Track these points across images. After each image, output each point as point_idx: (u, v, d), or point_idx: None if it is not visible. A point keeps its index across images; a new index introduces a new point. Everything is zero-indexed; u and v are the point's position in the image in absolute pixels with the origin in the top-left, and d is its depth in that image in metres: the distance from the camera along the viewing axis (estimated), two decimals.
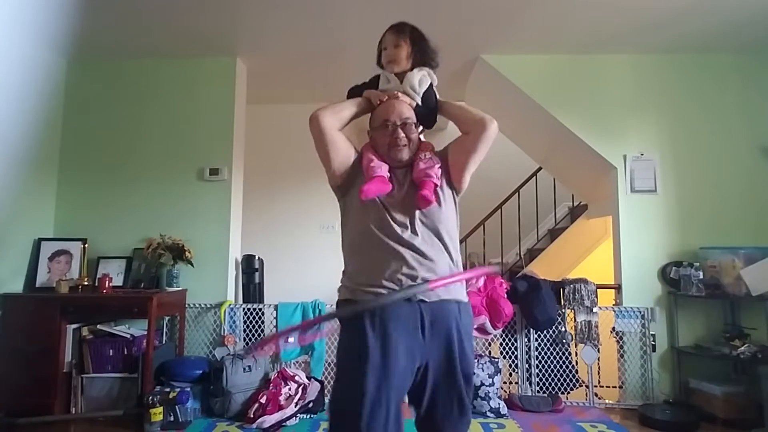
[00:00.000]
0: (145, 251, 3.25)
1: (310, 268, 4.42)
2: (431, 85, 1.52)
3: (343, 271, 1.45)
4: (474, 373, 1.47)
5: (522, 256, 5.48)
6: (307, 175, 4.52)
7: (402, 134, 1.42)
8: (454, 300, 1.38)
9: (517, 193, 5.19)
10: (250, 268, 3.56)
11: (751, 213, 3.27)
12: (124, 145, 3.51)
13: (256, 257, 3.60)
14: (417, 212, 1.37)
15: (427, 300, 1.32)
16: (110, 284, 3.08)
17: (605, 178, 3.59)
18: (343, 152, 1.44)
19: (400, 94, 1.47)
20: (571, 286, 3.26)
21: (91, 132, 3.52)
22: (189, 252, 3.24)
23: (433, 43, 1.54)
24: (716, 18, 2.95)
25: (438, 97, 1.55)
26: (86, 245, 3.29)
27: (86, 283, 3.12)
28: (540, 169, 5.07)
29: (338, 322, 1.41)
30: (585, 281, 3.28)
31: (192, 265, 3.26)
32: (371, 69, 1.59)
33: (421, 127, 1.51)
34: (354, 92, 1.56)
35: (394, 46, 1.51)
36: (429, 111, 1.52)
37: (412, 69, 1.51)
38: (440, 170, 1.42)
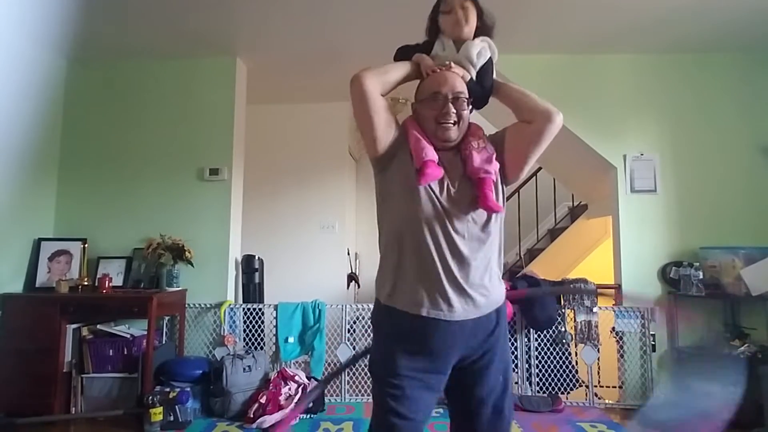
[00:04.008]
0: (145, 251, 3.25)
1: (310, 268, 4.42)
2: (490, 60, 1.36)
3: (382, 266, 1.32)
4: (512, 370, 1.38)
5: (522, 256, 5.49)
6: (307, 175, 4.54)
7: (453, 109, 1.26)
8: (494, 310, 1.30)
9: (517, 193, 5.18)
10: (250, 268, 3.56)
11: (751, 213, 3.26)
12: (124, 144, 3.51)
13: (256, 257, 3.60)
14: (470, 214, 1.24)
15: (475, 317, 1.25)
16: (110, 284, 3.08)
17: (605, 178, 3.59)
18: (386, 120, 1.28)
19: (453, 65, 1.31)
20: (571, 286, 3.26)
21: (91, 132, 3.52)
22: (189, 252, 3.24)
23: (488, 12, 1.39)
24: (716, 18, 2.94)
25: (496, 75, 1.39)
26: (86, 245, 3.29)
27: (86, 283, 3.12)
28: (540, 169, 5.08)
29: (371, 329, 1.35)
30: (585, 281, 3.28)
31: (192, 265, 3.26)
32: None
33: (471, 107, 1.34)
34: (403, 53, 1.40)
35: (461, 7, 1.34)
36: (482, 90, 1.35)
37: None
38: (497, 164, 1.28)
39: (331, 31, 3.18)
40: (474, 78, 1.34)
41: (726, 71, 3.41)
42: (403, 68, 1.35)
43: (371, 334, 1.38)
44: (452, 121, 1.27)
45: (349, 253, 4.58)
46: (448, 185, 1.26)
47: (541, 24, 3.08)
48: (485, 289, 1.26)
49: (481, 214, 1.25)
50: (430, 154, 1.24)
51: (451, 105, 1.27)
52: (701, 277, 3.07)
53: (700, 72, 3.43)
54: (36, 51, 3.26)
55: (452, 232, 1.22)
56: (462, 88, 1.29)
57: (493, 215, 1.26)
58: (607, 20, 3.01)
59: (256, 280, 3.58)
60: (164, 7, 2.86)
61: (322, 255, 4.48)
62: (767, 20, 2.95)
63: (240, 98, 3.62)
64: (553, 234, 5.30)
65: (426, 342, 1.22)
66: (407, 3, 2.72)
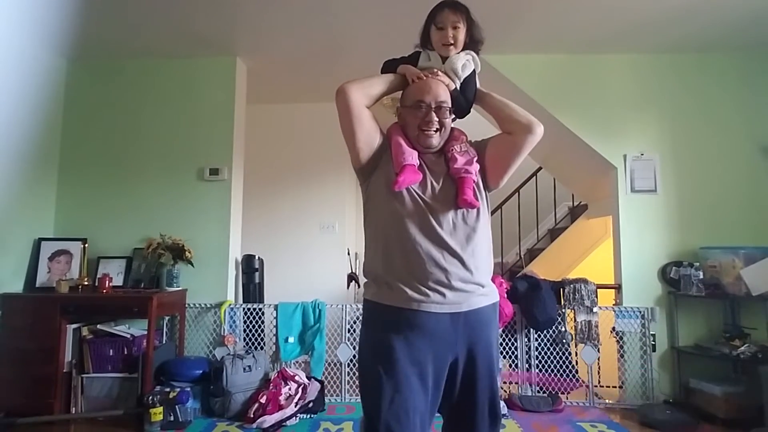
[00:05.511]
0: (145, 251, 3.25)
1: (310, 268, 4.42)
2: (474, 72, 1.41)
3: (368, 266, 1.37)
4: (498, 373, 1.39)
5: (522, 256, 5.49)
6: (307, 174, 4.53)
7: (435, 118, 1.31)
8: (491, 303, 1.34)
9: (517, 193, 5.19)
10: (250, 268, 3.56)
11: (751, 213, 3.26)
12: (124, 144, 3.51)
13: (256, 257, 3.60)
14: (454, 211, 1.29)
15: (467, 309, 1.27)
16: (110, 284, 3.08)
17: (605, 178, 3.59)
18: (369, 131, 1.33)
19: (439, 73, 1.36)
20: (571, 286, 3.26)
21: (91, 132, 3.52)
22: (189, 252, 3.24)
23: (480, 26, 1.44)
24: (716, 18, 2.94)
25: (479, 86, 1.44)
26: (86, 245, 3.29)
27: (86, 283, 3.12)
28: (540, 169, 5.08)
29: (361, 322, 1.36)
30: (585, 281, 3.28)
31: (192, 265, 3.26)
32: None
33: (453, 115, 1.40)
34: (389, 66, 1.44)
35: (453, 26, 1.38)
36: (466, 100, 1.40)
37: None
38: (478, 166, 1.34)
39: (331, 30, 3.17)
40: (458, 88, 1.38)
41: (726, 71, 3.40)
42: (386, 81, 1.39)
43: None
44: (434, 129, 1.32)
45: (349, 253, 4.58)
46: (432, 184, 1.32)
47: (541, 24, 3.08)
48: (475, 282, 1.29)
49: (463, 210, 1.31)
50: (410, 158, 1.30)
51: (433, 114, 1.31)
52: (701, 277, 3.07)
53: (700, 72, 3.43)
54: (36, 51, 3.26)
55: (437, 227, 1.27)
56: (445, 97, 1.33)
57: (476, 210, 1.32)
58: (607, 20, 3.01)
59: (256, 280, 3.58)
60: (164, 7, 2.86)
61: (322, 255, 4.47)
62: (767, 20, 2.95)
63: (240, 98, 3.62)
64: (553, 234, 5.31)
65: (419, 335, 1.24)
66: (405, 3, 2.73)
